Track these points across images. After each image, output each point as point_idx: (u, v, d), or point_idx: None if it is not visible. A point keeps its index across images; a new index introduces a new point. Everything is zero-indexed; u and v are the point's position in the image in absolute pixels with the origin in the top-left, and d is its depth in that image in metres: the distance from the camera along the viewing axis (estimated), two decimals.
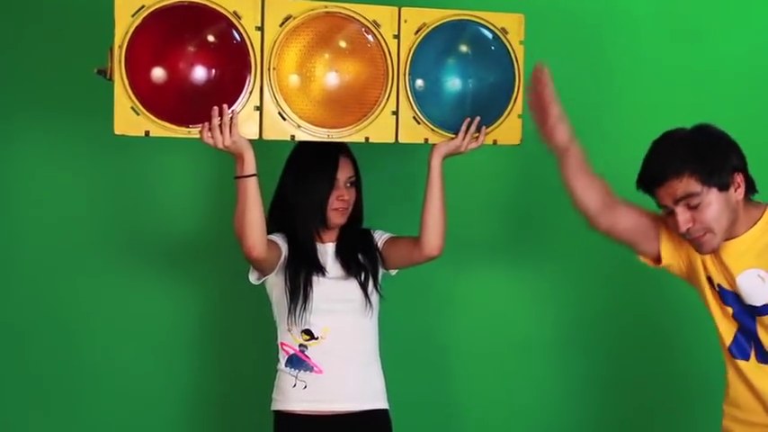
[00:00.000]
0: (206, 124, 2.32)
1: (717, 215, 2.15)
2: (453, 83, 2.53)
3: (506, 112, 2.56)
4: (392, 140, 2.49)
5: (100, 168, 2.99)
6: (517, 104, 2.56)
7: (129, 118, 2.30)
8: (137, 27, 2.27)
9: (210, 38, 2.35)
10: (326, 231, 2.62)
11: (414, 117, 2.49)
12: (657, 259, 2.34)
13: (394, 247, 2.63)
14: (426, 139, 2.52)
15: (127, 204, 3.04)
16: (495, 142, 2.57)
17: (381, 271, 2.65)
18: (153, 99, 2.30)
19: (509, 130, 2.57)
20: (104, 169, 3.00)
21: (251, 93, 2.37)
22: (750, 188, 2.22)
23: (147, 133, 2.32)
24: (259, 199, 2.40)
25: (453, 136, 2.52)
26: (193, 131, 2.34)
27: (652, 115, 2.84)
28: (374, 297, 2.59)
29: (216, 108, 2.32)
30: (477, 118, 2.51)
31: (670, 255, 2.31)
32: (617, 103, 2.97)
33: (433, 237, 2.54)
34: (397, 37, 2.47)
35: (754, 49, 2.98)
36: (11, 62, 3.02)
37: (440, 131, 2.52)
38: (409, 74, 2.47)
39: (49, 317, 3.05)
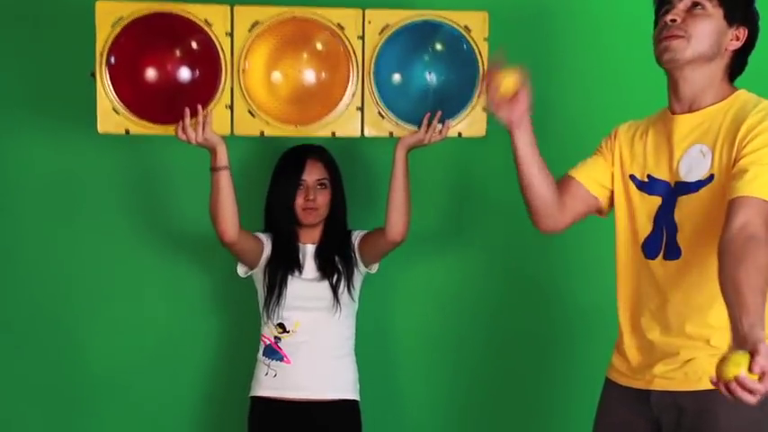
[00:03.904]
0: (180, 123, 2.56)
1: (705, 31, 2.13)
2: (418, 79, 2.67)
3: (471, 106, 2.68)
4: (358, 135, 2.67)
5: (104, 163, 3.07)
6: (482, 99, 2.67)
7: (111, 118, 2.56)
8: (116, 36, 2.53)
9: (184, 44, 2.58)
10: (305, 231, 2.84)
11: (379, 112, 2.66)
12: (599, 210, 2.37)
13: (365, 241, 2.83)
14: (391, 133, 2.68)
15: (130, 199, 3.13)
16: (459, 135, 2.70)
17: (362, 271, 2.85)
18: (132, 100, 2.56)
19: (474, 123, 2.69)
20: (109, 164, 3.08)
21: (222, 93, 2.59)
22: (739, 66, 2.20)
23: (127, 131, 2.58)
24: (231, 189, 2.63)
25: (418, 129, 2.66)
26: (169, 129, 2.59)
27: (616, 111, 2.87)
28: (344, 298, 2.79)
29: (187, 108, 2.55)
30: (439, 112, 2.65)
31: (598, 185, 2.33)
32: (581, 100, 3.02)
33: (396, 224, 2.71)
34: (362, 38, 2.62)
35: None
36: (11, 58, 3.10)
37: (404, 125, 2.67)
38: (374, 72, 2.63)
39: (47, 313, 3.11)
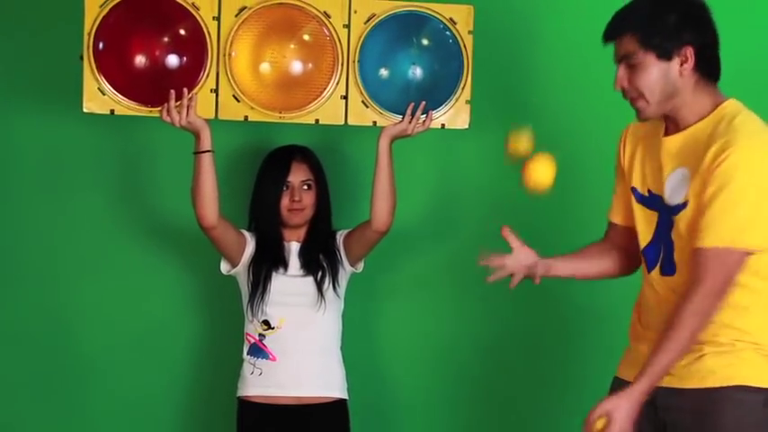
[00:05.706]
0: (165, 105, 2.58)
1: (650, 83, 2.08)
2: (402, 70, 2.70)
3: (455, 99, 2.71)
4: (341, 123, 2.69)
5: (89, 148, 3.04)
6: (465, 91, 2.70)
7: (96, 97, 2.59)
8: (104, 17, 2.56)
9: (171, 27, 2.61)
10: (290, 230, 2.84)
11: (362, 101, 2.68)
12: None
13: (351, 237, 2.83)
14: (375, 122, 2.70)
15: (125, 197, 3.08)
16: (443, 126, 2.73)
17: (348, 270, 2.84)
18: (118, 81, 2.59)
19: (457, 115, 2.72)
20: (94, 149, 3.05)
21: (208, 77, 2.62)
22: (709, 71, 2.11)
23: (112, 111, 2.61)
24: (212, 173, 2.65)
25: (401, 119, 2.68)
26: (154, 111, 2.61)
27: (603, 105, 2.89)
28: (329, 294, 2.78)
29: (172, 91, 2.57)
30: (423, 103, 2.67)
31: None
32: (569, 94, 3.04)
33: (381, 214, 2.72)
34: (348, 26, 2.66)
35: None
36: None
37: (388, 115, 2.69)
38: (358, 61, 2.66)
39: (43, 310, 3.07)
